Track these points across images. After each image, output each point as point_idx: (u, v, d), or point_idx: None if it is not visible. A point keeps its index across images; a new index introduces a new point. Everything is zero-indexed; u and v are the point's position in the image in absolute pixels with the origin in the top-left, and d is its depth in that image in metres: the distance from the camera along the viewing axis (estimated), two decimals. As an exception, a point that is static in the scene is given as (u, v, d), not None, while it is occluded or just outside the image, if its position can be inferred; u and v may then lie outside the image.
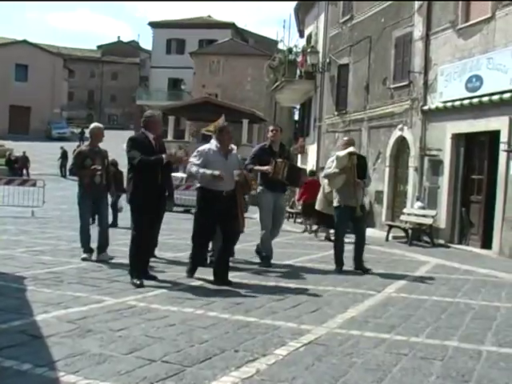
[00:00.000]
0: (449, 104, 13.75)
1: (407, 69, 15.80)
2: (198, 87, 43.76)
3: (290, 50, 25.57)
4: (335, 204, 8.51)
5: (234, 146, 7.40)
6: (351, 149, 8.31)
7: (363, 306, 5.81)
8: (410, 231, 13.69)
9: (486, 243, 12.55)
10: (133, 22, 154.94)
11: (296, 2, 26.74)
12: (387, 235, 14.33)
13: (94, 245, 8.30)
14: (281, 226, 8.95)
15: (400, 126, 16.12)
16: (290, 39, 34.50)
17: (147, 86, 60.10)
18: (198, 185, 7.07)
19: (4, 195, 16.71)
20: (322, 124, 22.32)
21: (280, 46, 29.52)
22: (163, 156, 6.57)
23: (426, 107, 14.87)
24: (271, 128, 8.89)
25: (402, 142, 16.29)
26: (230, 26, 54.82)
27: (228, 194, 6.77)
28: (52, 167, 34.94)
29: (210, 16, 60.44)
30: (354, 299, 6.16)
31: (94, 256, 8.21)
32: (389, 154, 16.80)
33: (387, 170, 16.91)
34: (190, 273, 7.02)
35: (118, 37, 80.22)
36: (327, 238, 13.02)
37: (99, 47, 77.72)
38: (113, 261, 8.06)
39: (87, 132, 9.25)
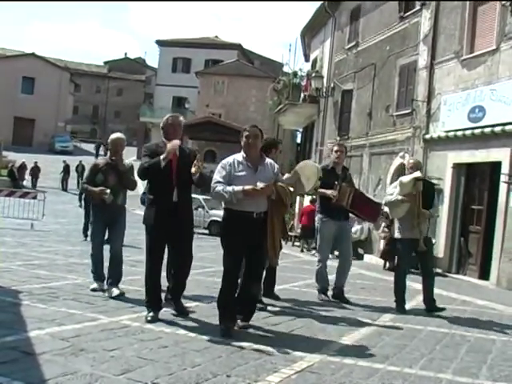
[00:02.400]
0: (451, 133, 13.82)
1: (410, 97, 15.92)
2: (202, 106, 43.94)
3: (294, 74, 25.75)
4: (396, 236, 7.67)
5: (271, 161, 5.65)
6: (417, 174, 7.47)
7: (358, 335, 5.77)
8: (408, 259, 13.63)
9: (484, 274, 12.53)
10: (140, 40, 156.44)
11: (303, 27, 26.94)
12: (385, 262, 14.28)
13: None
14: (351, 255, 8.19)
15: (401, 154, 16.17)
16: (295, 63, 34.80)
17: (151, 103, 60.37)
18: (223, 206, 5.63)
19: (4, 206, 16.72)
20: (324, 148, 22.38)
21: (285, 69, 29.75)
22: (161, 158, 5.48)
23: (427, 136, 14.94)
24: (335, 148, 7.80)
25: (402, 170, 16.29)
26: (237, 47, 55.24)
27: (259, 217, 5.34)
28: (54, 180, 34.98)
29: (217, 36, 60.98)
30: (350, 327, 6.11)
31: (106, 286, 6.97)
32: (389, 181, 16.80)
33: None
34: (225, 322, 5.31)
35: (125, 53, 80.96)
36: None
37: (106, 63, 78.33)
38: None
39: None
